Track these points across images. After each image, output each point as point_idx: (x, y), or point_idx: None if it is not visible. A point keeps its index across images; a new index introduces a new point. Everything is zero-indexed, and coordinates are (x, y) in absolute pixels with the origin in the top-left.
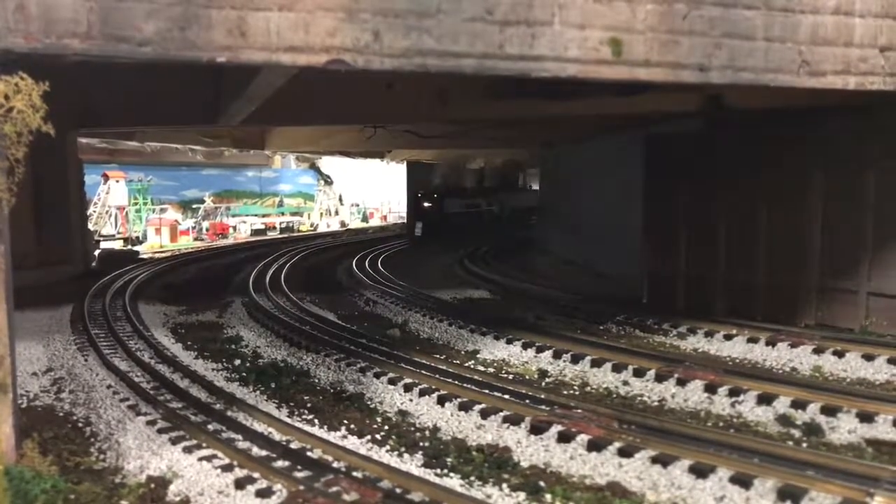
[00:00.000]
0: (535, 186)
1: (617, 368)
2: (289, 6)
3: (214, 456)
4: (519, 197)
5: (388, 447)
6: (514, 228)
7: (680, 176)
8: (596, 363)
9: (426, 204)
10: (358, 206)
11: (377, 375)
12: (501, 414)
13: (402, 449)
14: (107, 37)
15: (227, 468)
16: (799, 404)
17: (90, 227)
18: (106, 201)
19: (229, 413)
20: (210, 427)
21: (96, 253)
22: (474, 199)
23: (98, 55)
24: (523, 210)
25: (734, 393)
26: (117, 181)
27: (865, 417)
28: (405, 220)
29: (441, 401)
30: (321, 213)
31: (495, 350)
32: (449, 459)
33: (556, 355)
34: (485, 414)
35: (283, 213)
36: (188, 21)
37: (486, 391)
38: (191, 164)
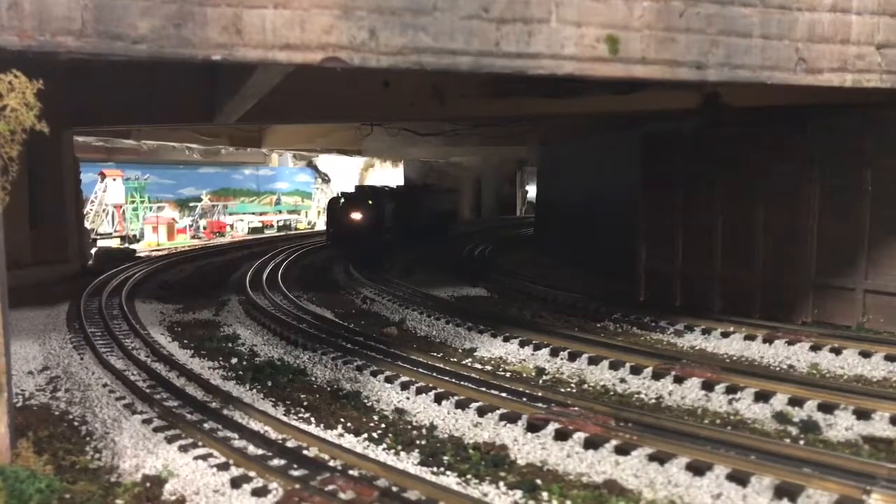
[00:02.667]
0: (533, 186)
1: (614, 366)
2: (284, 3)
3: (210, 455)
4: (440, 199)
5: (384, 445)
6: (433, 238)
7: (677, 174)
8: (593, 361)
9: (354, 215)
10: None
11: (374, 373)
12: (498, 412)
13: (399, 447)
14: (101, 34)
15: (223, 467)
16: (796, 401)
17: (87, 225)
18: (103, 199)
19: (225, 411)
20: (206, 426)
21: (93, 251)
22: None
23: (92, 53)
24: (445, 213)
25: (731, 390)
26: (114, 179)
27: (862, 414)
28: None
29: (438, 399)
30: (319, 211)
31: (492, 348)
32: (445, 457)
33: (554, 353)
34: (481, 412)
35: (280, 212)
36: (183, 18)
37: (483, 389)
38: (188, 163)
